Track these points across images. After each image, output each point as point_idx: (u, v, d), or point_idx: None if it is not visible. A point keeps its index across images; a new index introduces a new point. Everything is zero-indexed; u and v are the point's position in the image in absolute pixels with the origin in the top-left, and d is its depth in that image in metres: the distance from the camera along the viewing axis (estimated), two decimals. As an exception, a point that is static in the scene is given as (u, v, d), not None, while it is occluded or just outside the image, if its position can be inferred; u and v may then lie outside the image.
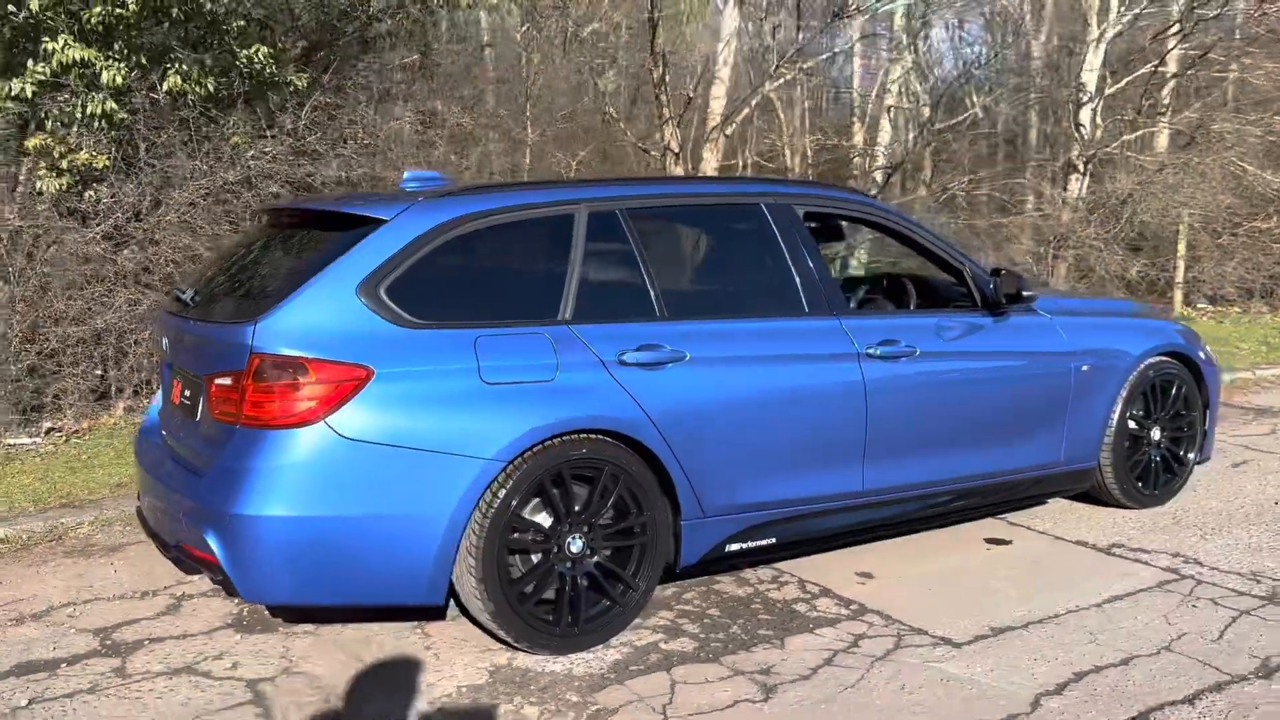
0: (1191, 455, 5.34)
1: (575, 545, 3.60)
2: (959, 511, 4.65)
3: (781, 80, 9.90)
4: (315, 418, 3.20)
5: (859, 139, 12.83)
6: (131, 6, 6.56)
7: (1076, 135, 13.84)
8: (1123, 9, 13.80)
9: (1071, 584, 4.24)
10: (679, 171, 9.77)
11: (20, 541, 4.92)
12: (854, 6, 9.05)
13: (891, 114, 12.65)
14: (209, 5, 6.59)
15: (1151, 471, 5.21)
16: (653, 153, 9.67)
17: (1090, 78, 13.97)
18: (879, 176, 12.83)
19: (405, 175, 4.13)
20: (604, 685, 3.39)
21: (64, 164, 6.63)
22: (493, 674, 3.48)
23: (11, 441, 6.39)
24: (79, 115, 6.70)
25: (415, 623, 3.88)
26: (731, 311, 4.04)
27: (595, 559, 3.65)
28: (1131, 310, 5.43)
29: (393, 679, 3.46)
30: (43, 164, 6.72)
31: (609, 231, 3.84)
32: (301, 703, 3.30)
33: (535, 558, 3.55)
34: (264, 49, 7.15)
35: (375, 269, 3.39)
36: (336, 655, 3.64)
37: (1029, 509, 5.23)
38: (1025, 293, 4.56)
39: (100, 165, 6.75)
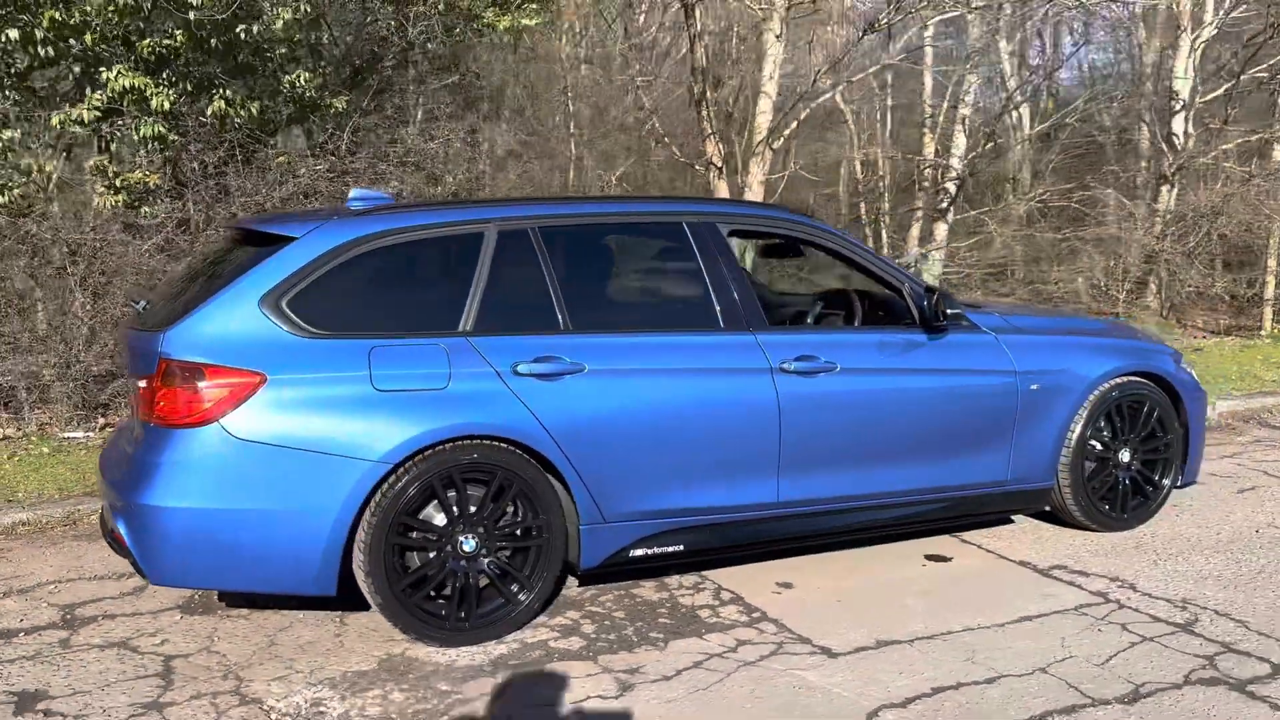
0: (1166, 479, 5.18)
1: (468, 545, 3.82)
2: (892, 525, 4.66)
3: (828, 94, 9.91)
4: (211, 418, 3.53)
5: (930, 150, 12.65)
6: (180, 38, 7.14)
7: (1168, 145, 13.32)
8: (1219, 14, 13.22)
9: (987, 603, 4.22)
10: (723, 186, 9.90)
11: (39, 525, 5.45)
12: (883, 21, 8.99)
13: (965, 125, 12.44)
14: (243, 36, 7.09)
15: (1119, 494, 5.09)
16: (697, 167, 9.81)
17: (1182, 85, 13.43)
18: (951, 187, 12.65)
19: (351, 194, 4.44)
20: (475, 677, 3.60)
21: (119, 182, 7.25)
22: (382, 662, 3.73)
23: (66, 435, 7.03)
24: (134, 138, 7.32)
25: (339, 612, 4.17)
26: (640, 326, 4.19)
27: (489, 558, 3.87)
28: (1097, 330, 5.32)
29: (290, 661, 3.75)
30: (101, 183, 7.37)
31: (518, 249, 4.05)
32: (200, 677, 3.62)
33: (431, 555, 3.79)
34: (305, 74, 7.65)
35: (279, 283, 3.70)
36: (254, 638, 3.96)
37: (992, 527, 5.19)
38: (949, 311, 4.55)
39: (153, 183, 7.35)
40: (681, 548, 4.20)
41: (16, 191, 6.91)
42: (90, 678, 3.63)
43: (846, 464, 4.42)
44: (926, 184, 12.70)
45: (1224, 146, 12.79)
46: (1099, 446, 5.01)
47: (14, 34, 6.69)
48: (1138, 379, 5.06)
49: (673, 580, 4.51)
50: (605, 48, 9.60)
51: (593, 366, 3.97)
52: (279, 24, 7.01)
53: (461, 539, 3.81)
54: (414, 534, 3.76)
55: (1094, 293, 11.19)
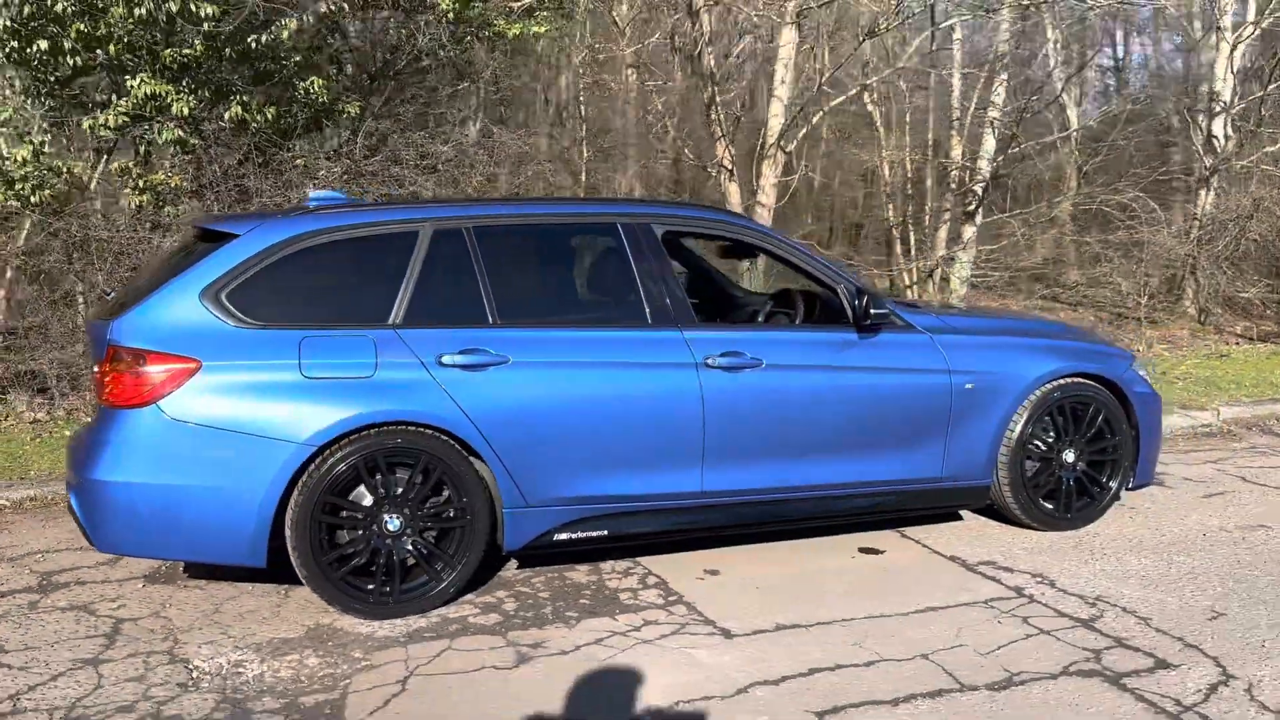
0: (1114, 481, 5.22)
1: (393, 525, 4.08)
2: (822, 518, 4.79)
3: (840, 99, 9.98)
4: (150, 400, 3.84)
5: (957, 153, 12.60)
6: (199, 47, 7.56)
7: (1207, 148, 13.08)
8: (1261, 15, 12.94)
9: (900, 593, 4.34)
10: (734, 188, 10.06)
11: (45, 500, 5.86)
12: (882, 27, 9.04)
13: (995, 127, 12.37)
14: (254, 46, 7.48)
15: (1063, 494, 5.15)
16: (709, 169, 9.97)
17: (1223, 87, 13.18)
18: (978, 190, 12.59)
19: (310, 195, 4.75)
20: (388, 647, 3.85)
21: (141, 184, 7.70)
22: (310, 630, 4.01)
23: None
24: (158, 142, 7.76)
25: (287, 585, 4.46)
26: (569, 321, 4.41)
27: (414, 538, 4.12)
28: (1044, 331, 5.37)
29: (227, 627, 4.05)
30: (127, 185, 7.83)
31: (452, 247, 4.30)
32: (141, 639, 3.94)
33: (358, 533, 4.06)
34: (318, 80, 8.03)
35: (219, 276, 4.00)
36: (202, 605, 4.28)
37: (939, 523, 5.28)
38: (874, 310, 4.67)
39: (174, 185, 7.79)
40: (606, 533, 4.41)
41: (47, 192, 7.38)
42: (45, 635, 3.97)
43: (772, 457, 4.58)
44: (954, 186, 12.66)
45: (1267, 149, 12.52)
46: (1041, 446, 5.08)
47: (44, 44, 7.16)
48: (1083, 380, 5.12)
49: (607, 565, 4.72)
50: (620, 50, 9.82)
51: (517, 358, 4.20)
52: (285, 34, 7.38)
53: (387, 519, 4.07)
54: (342, 513, 4.03)
55: (1115, 299, 11.06)
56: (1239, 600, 4.25)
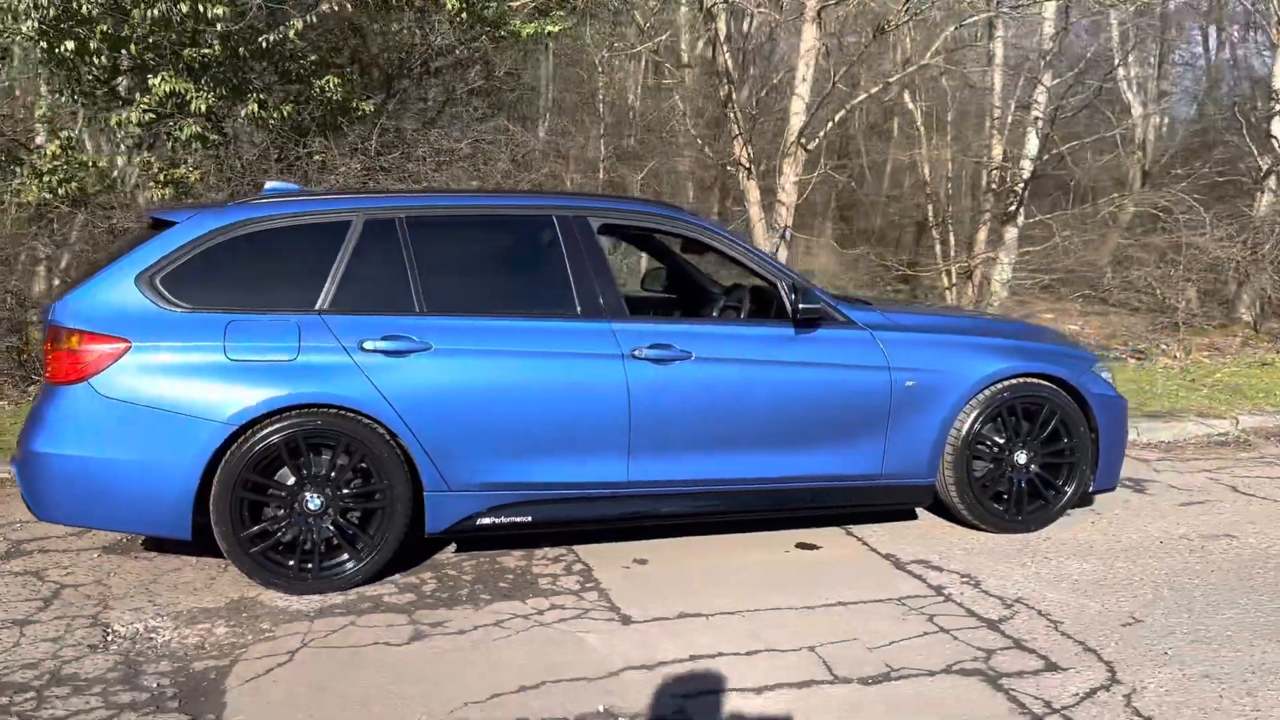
0: (1071, 485, 5.11)
1: (314, 504, 4.23)
2: (756, 511, 4.80)
3: (868, 96, 9.88)
4: (84, 377, 4.06)
5: (997, 151, 12.35)
6: (217, 48, 7.88)
7: (1264, 149, 12.58)
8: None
9: (819, 588, 4.33)
10: (753, 186, 10.04)
11: None
12: (892, 24, 8.91)
13: (1039, 125, 12.10)
14: (264, 45, 7.76)
15: (1015, 496, 5.06)
16: (730, 168, 9.97)
17: (1284, 84, 12.65)
18: (1019, 190, 12.32)
19: (265, 186, 4.94)
20: (296, 620, 4.01)
21: (163, 177, 8.06)
22: (231, 602, 4.19)
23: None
24: (180, 137, 8.11)
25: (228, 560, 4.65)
26: (496, 311, 4.50)
27: (334, 518, 4.26)
28: (997, 330, 5.28)
29: (156, 596, 4.25)
30: (150, 180, 8.20)
31: (383, 237, 4.44)
32: (75, 604, 4.16)
33: (280, 511, 4.22)
34: (334, 79, 8.29)
35: (154, 262, 4.21)
36: (143, 576, 4.49)
37: (892, 521, 5.24)
38: (803, 305, 4.66)
39: (194, 179, 8.14)
40: (530, 519, 4.50)
41: (74, 185, 7.78)
42: (-10, 598, 4.24)
43: (701, 450, 4.61)
44: (995, 186, 12.41)
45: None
46: (991, 447, 5.01)
47: (70, 45, 7.55)
48: (1036, 381, 5.03)
49: (542, 551, 4.80)
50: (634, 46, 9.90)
51: (439, 346, 4.32)
52: (291, 32, 7.65)
53: (308, 498, 4.22)
54: (267, 491, 4.19)
55: (1150, 301, 10.72)
56: (1164, 608, 4.14)
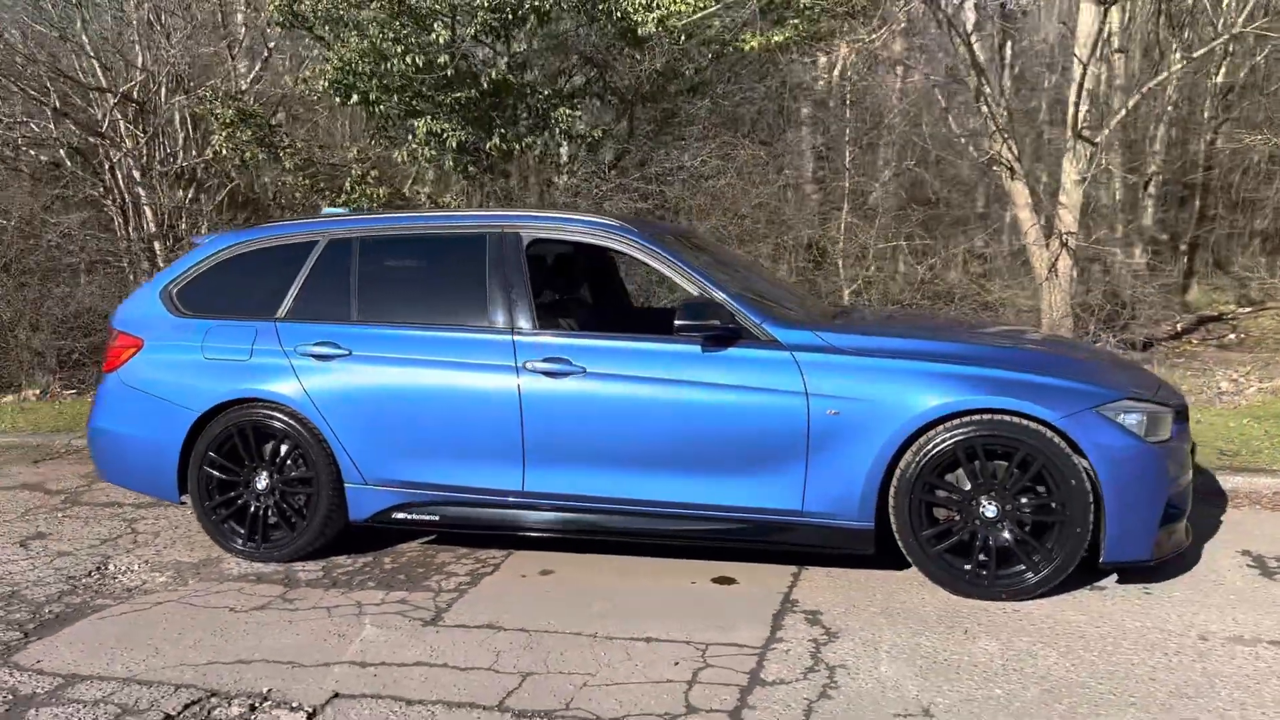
0: (1061, 549, 4.15)
1: (261, 484, 4.95)
2: (661, 536, 4.58)
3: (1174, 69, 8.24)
4: (114, 368, 5.18)
5: None
6: (473, 93, 9.04)
7: None
8: None
9: (691, 621, 4.08)
10: (1019, 187, 8.91)
11: (50, 450, 7.61)
12: None
13: None
14: (485, 85, 8.71)
15: (982, 555, 4.25)
16: (993, 168, 8.93)
17: None
18: None
19: (323, 210, 5.78)
20: (232, 580, 4.72)
21: (435, 201, 9.39)
22: (206, 559, 5.04)
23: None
24: (444, 168, 9.42)
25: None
26: (416, 321, 4.83)
27: (275, 499, 4.93)
28: (967, 355, 4.38)
29: (128, 551, 5.22)
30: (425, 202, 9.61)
31: (339, 255, 5.02)
32: (50, 554, 5.20)
33: (240, 487, 5.00)
34: (565, 110, 9.02)
35: (175, 276, 5.22)
36: (174, 530, 5.53)
37: (862, 568, 4.65)
38: (684, 322, 4.34)
39: (456, 204, 9.38)
40: (436, 518, 4.79)
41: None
42: (65, 530, 5.54)
43: (596, 466, 4.54)
44: None
45: None
46: (950, 494, 4.26)
47: (355, 98, 9.16)
48: (1009, 419, 4.17)
49: (469, 550, 5.05)
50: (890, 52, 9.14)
51: (358, 352, 4.80)
52: (494, 72, 8.49)
53: (255, 478, 4.94)
54: (230, 467, 4.98)
55: None
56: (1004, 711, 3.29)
